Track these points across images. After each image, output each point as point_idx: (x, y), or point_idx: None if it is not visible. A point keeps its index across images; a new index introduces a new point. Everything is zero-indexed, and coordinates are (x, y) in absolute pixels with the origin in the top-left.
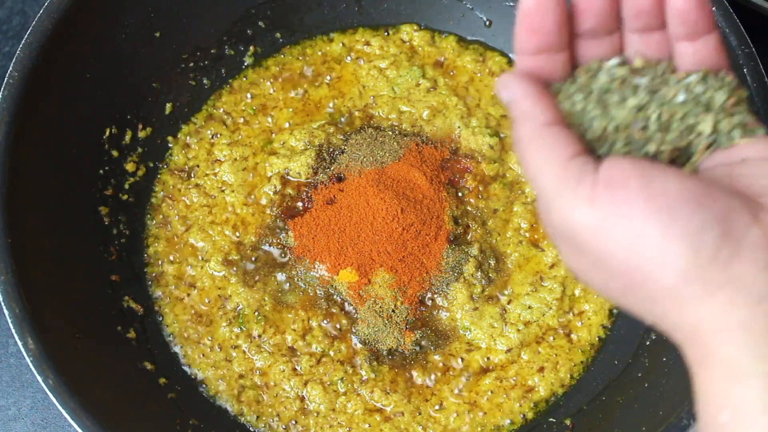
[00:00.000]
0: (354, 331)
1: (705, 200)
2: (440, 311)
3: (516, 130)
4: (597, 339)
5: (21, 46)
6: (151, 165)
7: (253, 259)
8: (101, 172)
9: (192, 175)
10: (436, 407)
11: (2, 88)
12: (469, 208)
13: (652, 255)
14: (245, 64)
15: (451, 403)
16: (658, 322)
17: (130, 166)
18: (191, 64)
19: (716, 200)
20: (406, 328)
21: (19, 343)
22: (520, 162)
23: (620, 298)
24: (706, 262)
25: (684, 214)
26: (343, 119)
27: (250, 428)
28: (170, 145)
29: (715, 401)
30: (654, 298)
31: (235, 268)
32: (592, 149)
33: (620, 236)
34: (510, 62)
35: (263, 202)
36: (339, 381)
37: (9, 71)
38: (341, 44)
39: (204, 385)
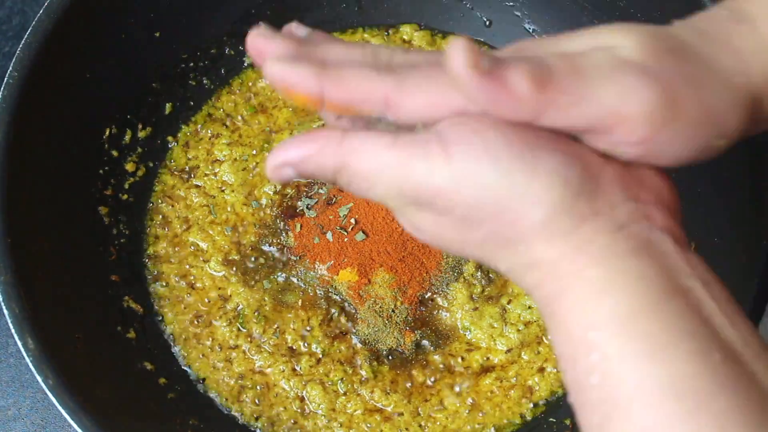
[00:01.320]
0: (354, 331)
1: (559, 142)
2: (440, 311)
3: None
4: None
5: (21, 46)
6: (151, 165)
7: (253, 259)
8: (101, 172)
9: (192, 175)
10: (436, 407)
11: (2, 88)
12: None
13: (523, 193)
14: (245, 64)
15: (451, 403)
16: (511, 267)
17: (130, 166)
18: (191, 64)
19: (569, 143)
20: (406, 328)
21: (19, 343)
22: (354, 183)
23: (475, 250)
24: (572, 195)
25: (545, 153)
26: None
27: (250, 428)
28: (170, 145)
29: (584, 321)
30: (518, 238)
31: (235, 268)
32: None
33: (487, 184)
34: None
35: (263, 202)
36: (339, 381)
37: (9, 71)
38: None
39: (204, 385)
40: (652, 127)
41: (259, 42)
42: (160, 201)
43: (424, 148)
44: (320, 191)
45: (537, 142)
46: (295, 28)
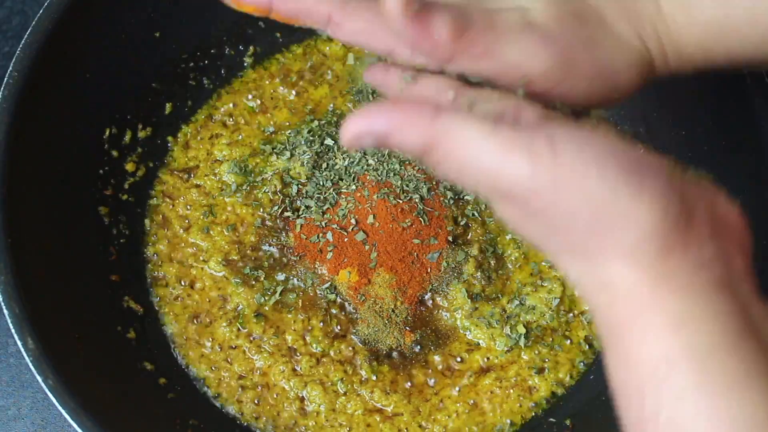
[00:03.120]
0: (354, 331)
1: (659, 164)
2: (440, 311)
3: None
4: (597, 339)
5: (21, 46)
6: (151, 165)
7: (253, 259)
8: (101, 172)
9: (192, 175)
10: (436, 407)
11: (2, 88)
12: (469, 208)
13: (625, 210)
14: (245, 64)
15: (451, 403)
16: (583, 280)
17: (130, 166)
18: (191, 64)
19: (668, 169)
20: (406, 328)
21: (19, 343)
22: (444, 166)
23: (552, 249)
24: (670, 224)
25: (652, 175)
26: (343, 119)
27: (250, 428)
28: (170, 145)
29: (658, 352)
30: (600, 253)
31: (235, 268)
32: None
33: (591, 194)
34: None
35: (263, 202)
36: (339, 381)
37: (9, 71)
38: (341, 44)
39: (204, 385)
40: (548, 83)
41: None
42: (160, 201)
43: (528, 141)
44: (320, 192)
45: (643, 161)
46: None
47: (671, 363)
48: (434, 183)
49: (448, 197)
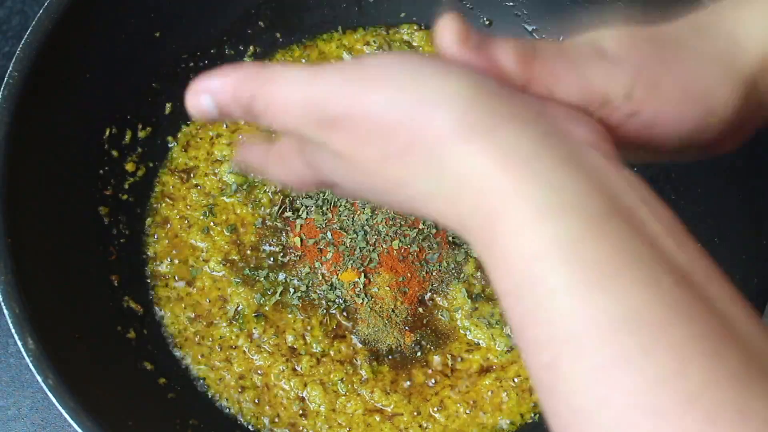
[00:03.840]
0: (354, 331)
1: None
2: (440, 311)
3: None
4: None
5: (21, 46)
6: (151, 165)
7: (253, 259)
8: (101, 172)
9: (192, 175)
10: (436, 407)
11: (2, 88)
12: None
13: (433, 96)
14: None
15: (451, 403)
16: (442, 190)
17: (130, 166)
18: (191, 64)
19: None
20: (406, 328)
21: (19, 343)
22: (271, 109)
23: (403, 176)
24: (487, 94)
25: (461, 67)
26: None
27: (250, 428)
28: (170, 145)
29: (525, 251)
30: (436, 146)
31: (235, 268)
32: None
33: (396, 89)
34: None
35: (263, 201)
36: (339, 381)
37: (9, 71)
38: (341, 44)
39: (204, 385)
40: (632, 105)
41: None
42: (160, 201)
43: (337, 64)
44: (321, 191)
45: (456, 63)
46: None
47: (540, 260)
48: None
49: None
